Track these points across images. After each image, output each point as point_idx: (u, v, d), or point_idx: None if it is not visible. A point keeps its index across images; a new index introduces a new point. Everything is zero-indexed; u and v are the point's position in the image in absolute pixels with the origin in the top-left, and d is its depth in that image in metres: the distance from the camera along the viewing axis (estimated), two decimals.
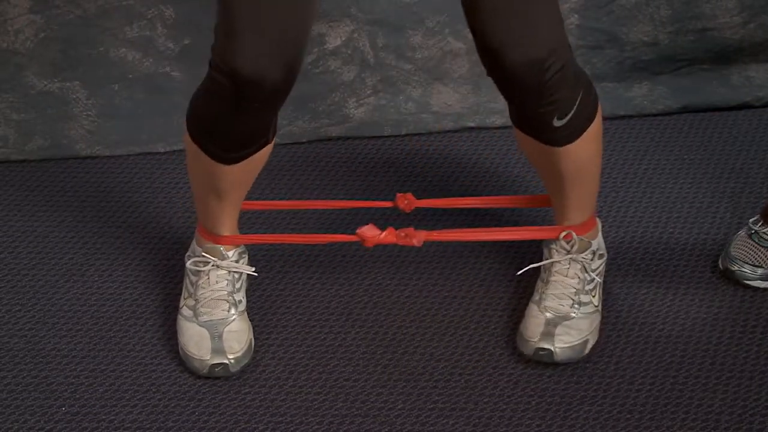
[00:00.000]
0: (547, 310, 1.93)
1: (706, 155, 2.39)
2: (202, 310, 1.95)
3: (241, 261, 2.01)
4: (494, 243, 2.14)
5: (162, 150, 2.44)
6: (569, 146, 1.84)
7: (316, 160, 2.41)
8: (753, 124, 2.47)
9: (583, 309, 1.94)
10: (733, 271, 2.05)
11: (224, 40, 1.68)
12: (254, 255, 2.11)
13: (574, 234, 1.96)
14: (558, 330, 1.90)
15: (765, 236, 2.05)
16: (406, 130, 2.48)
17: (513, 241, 2.14)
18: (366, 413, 1.86)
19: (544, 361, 1.90)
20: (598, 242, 2.02)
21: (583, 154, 1.88)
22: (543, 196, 2.10)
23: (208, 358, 1.90)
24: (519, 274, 2.06)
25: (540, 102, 1.76)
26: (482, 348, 1.96)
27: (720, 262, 2.09)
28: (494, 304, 2.05)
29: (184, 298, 1.99)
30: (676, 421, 1.83)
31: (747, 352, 1.94)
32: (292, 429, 1.84)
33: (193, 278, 1.98)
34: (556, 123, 1.80)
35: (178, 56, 2.40)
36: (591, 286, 1.97)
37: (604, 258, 2.03)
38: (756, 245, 2.05)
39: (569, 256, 1.97)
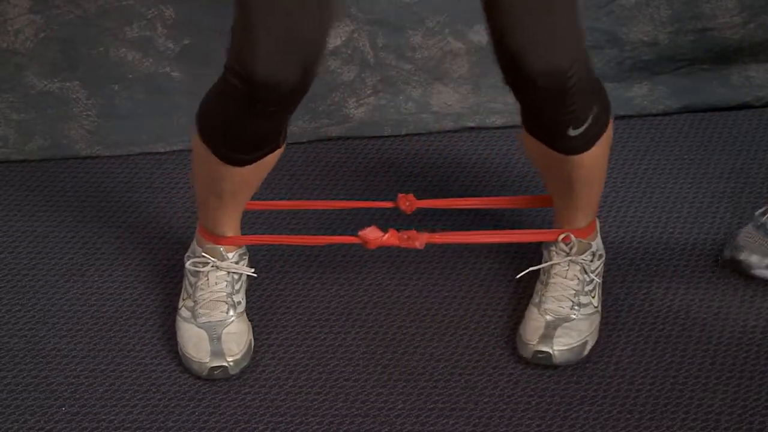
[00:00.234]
0: (546, 313, 1.93)
1: (706, 155, 2.38)
2: (200, 311, 1.95)
3: (242, 262, 2.00)
4: (494, 244, 2.14)
5: (162, 150, 2.44)
6: (582, 155, 1.81)
7: (316, 160, 2.41)
8: (753, 124, 2.47)
9: (582, 310, 1.94)
10: (740, 261, 2.04)
11: (241, 43, 1.65)
12: (254, 255, 2.10)
13: (572, 236, 1.96)
14: (558, 332, 1.90)
15: None
16: (406, 130, 2.48)
17: (513, 243, 2.14)
18: (366, 413, 1.86)
19: (543, 364, 1.90)
20: (597, 243, 2.01)
21: (595, 162, 1.85)
22: (543, 196, 2.09)
23: (207, 360, 1.89)
24: (518, 278, 2.06)
25: (559, 111, 1.71)
26: (482, 348, 1.96)
27: (725, 251, 2.07)
28: (494, 304, 2.05)
29: (183, 299, 1.99)
30: (676, 421, 1.82)
31: (747, 352, 1.94)
32: (292, 429, 1.84)
33: (192, 279, 1.98)
34: (572, 132, 1.75)
35: (178, 56, 2.40)
36: (590, 287, 1.96)
37: (603, 258, 2.02)
38: (764, 237, 2.04)
39: (568, 258, 1.96)
